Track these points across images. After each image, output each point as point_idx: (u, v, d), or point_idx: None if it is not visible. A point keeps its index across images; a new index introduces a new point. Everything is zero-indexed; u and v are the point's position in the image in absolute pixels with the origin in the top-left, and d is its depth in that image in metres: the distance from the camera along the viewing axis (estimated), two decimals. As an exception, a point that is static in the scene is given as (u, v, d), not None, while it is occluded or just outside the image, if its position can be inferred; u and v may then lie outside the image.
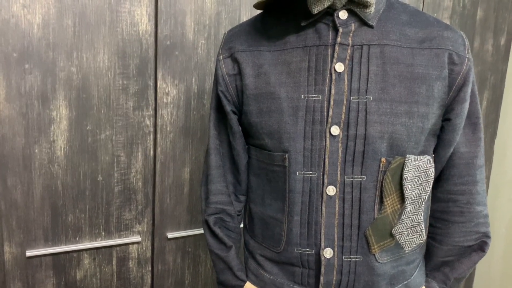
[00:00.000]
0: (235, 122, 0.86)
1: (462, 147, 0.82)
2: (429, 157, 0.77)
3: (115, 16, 1.04)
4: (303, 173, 0.78)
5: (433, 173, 0.75)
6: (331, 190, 0.77)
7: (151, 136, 1.14)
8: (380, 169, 0.75)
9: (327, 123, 0.75)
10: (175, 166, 1.18)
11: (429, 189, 0.76)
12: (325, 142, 0.76)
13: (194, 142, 1.18)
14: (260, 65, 0.80)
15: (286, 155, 0.78)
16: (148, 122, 1.13)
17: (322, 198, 0.77)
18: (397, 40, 0.78)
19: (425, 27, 0.79)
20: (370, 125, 0.74)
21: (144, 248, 1.16)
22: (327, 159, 0.76)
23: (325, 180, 0.77)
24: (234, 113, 0.87)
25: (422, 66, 0.76)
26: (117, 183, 1.12)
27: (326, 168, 0.76)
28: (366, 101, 0.74)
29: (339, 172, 0.76)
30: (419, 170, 0.76)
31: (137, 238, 1.17)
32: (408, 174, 0.75)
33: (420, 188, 0.76)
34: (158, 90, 1.11)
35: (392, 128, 0.75)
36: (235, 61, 0.83)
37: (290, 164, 0.78)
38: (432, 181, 0.76)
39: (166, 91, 1.13)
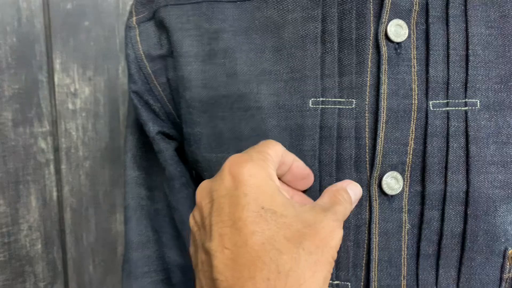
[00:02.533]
0: (169, 157, 0.51)
1: None
2: None
3: (-37, -41, 0.66)
4: None
5: None
6: None
7: (51, 167, 0.80)
8: (505, 275, 0.36)
9: (372, 166, 0.37)
10: (99, 213, 0.85)
11: None
12: (370, 211, 0.37)
13: (130, 172, 0.81)
14: (214, 34, 0.43)
15: None
16: (43, 145, 0.79)
17: None
18: None
19: None
20: (479, 169, 0.36)
21: None
22: (375, 252, 0.37)
23: None
24: (169, 137, 0.49)
25: None
26: None
27: (374, 272, 0.38)
28: (466, 112, 0.36)
29: (404, 283, 0.41)
30: None
31: (42, 334, 0.81)
32: None
33: None
34: (57, 90, 0.77)
35: None
36: (162, 27, 0.45)
37: None
38: None
39: (72, 90, 0.78)
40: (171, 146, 0.47)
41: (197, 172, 0.47)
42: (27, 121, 0.76)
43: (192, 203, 0.49)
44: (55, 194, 0.81)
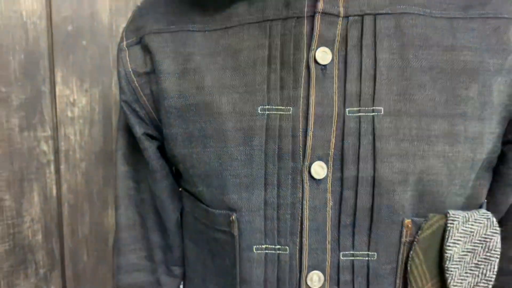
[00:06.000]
0: (152, 153, 0.56)
1: (537, 188, 0.51)
2: (490, 215, 0.46)
3: (-20, -12, 0.72)
4: (265, 249, 0.47)
5: (499, 244, 0.44)
6: (315, 279, 0.46)
7: (52, 167, 0.85)
8: (403, 239, 0.46)
9: (304, 157, 0.46)
10: (93, 208, 0.90)
11: (492, 274, 0.45)
12: (302, 191, 0.46)
13: (120, 172, 0.87)
14: (187, 56, 0.51)
15: (234, 216, 0.47)
16: (45, 148, 0.84)
17: (300, 294, 0.46)
18: (424, 4, 0.48)
19: (472, -20, 0.48)
20: (382, 159, 0.45)
21: (54, 327, 0.91)
22: (306, 223, 0.47)
23: (305, 262, 0.46)
24: (152, 138, 0.56)
25: (470, 50, 0.48)
26: (2, 240, 0.84)
27: (306, 239, 0.47)
28: (373, 116, 0.46)
29: (329, 246, 0.46)
30: (474, 240, 0.45)
31: (41, 316, 0.87)
32: (454, 249, 0.44)
33: (477, 272, 0.45)
34: (58, 100, 0.83)
35: (422, 164, 0.46)
36: (147, 50, 0.54)
37: (241, 232, 0.47)
38: (497, 260, 0.45)
39: (71, 100, 0.84)
40: (153, 145, 0.56)
41: (174, 165, 0.56)
42: (31, 127, 0.81)
43: (171, 192, 0.58)
44: (54, 191, 0.86)
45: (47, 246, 0.88)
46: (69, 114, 0.84)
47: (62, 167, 0.85)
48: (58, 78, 0.82)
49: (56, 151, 0.85)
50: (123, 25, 0.84)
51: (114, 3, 0.83)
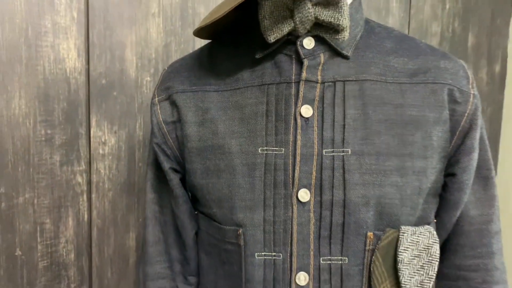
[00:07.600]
0: (176, 183, 0.69)
1: (472, 209, 0.66)
2: (431, 229, 0.59)
3: (34, 51, 0.87)
4: (264, 255, 0.60)
5: (438, 251, 0.58)
6: (302, 279, 0.59)
7: (84, 196, 0.97)
8: (367, 247, 0.58)
9: (293, 185, 0.59)
10: (117, 232, 1.01)
11: (433, 273, 0.58)
12: (292, 211, 0.59)
13: (141, 201, 1.01)
14: (205, 110, 0.64)
15: (240, 230, 0.60)
16: (80, 180, 0.96)
17: (290, 290, 0.59)
18: (380, 73, 0.62)
19: (416, 56, 0.64)
20: (350, 187, 0.58)
21: (80, 336, 0.98)
22: (295, 235, 0.59)
23: (294, 265, 0.59)
24: (176, 171, 0.69)
25: (415, 107, 0.61)
26: (41, 258, 0.94)
27: (295, 247, 0.59)
28: (343, 156, 0.59)
29: (312, 253, 0.58)
30: (419, 247, 0.58)
31: (70, 325, 0.96)
32: (404, 255, 0.57)
33: (422, 272, 0.58)
34: (92, 140, 0.96)
35: (380, 191, 0.58)
36: (174, 104, 0.67)
37: (246, 243, 0.60)
38: (437, 262, 0.58)
39: (103, 140, 0.97)
40: (177, 177, 0.69)
41: (193, 192, 0.69)
42: (69, 162, 0.93)
43: (189, 214, 0.71)
44: (86, 216, 0.96)
45: (78, 264, 0.98)
46: (101, 151, 0.96)
47: (93, 196, 0.97)
48: (93, 122, 0.95)
49: (89, 183, 0.96)
50: (147, 78, 0.98)
51: (140, 61, 0.98)
